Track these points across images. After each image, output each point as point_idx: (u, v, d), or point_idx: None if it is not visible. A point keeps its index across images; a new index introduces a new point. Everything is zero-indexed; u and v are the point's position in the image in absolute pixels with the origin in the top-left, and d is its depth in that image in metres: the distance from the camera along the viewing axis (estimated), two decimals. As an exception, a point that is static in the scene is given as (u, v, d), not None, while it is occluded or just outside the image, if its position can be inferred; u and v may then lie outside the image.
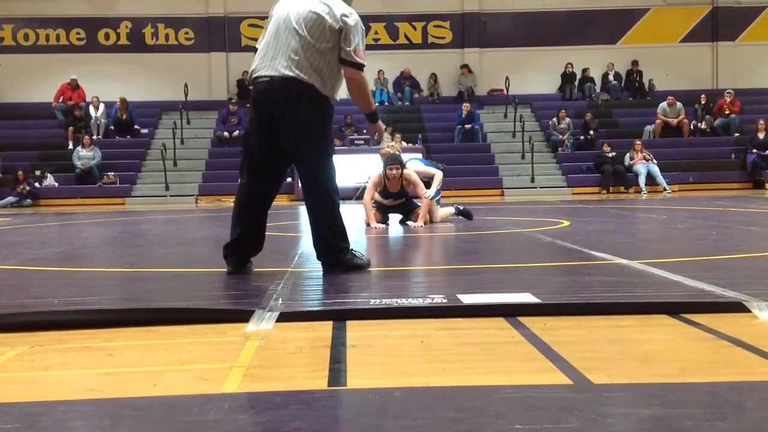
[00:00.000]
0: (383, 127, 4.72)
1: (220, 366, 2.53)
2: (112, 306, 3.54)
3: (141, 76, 20.86)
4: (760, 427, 1.86)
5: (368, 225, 7.93)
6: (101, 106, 19.18)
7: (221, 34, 21.31)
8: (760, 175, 17.38)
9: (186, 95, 19.94)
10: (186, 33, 21.45)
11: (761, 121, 17.77)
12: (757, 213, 9.38)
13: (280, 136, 4.32)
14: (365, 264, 4.44)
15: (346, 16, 4.29)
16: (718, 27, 21.44)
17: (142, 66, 20.94)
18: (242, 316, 3.19)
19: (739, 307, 3.20)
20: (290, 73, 4.24)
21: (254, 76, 4.44)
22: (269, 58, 4.34)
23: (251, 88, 4.52)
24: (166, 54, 21.20)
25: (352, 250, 4.44)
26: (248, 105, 4.60)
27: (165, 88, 20.68)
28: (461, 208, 8.50)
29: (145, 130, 19.69)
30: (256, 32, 21.39)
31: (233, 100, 19.85)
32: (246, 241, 4.48)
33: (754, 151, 17.51)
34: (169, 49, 21.30)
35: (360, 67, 4.32)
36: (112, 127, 19.20)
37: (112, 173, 17.60)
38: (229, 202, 16.21)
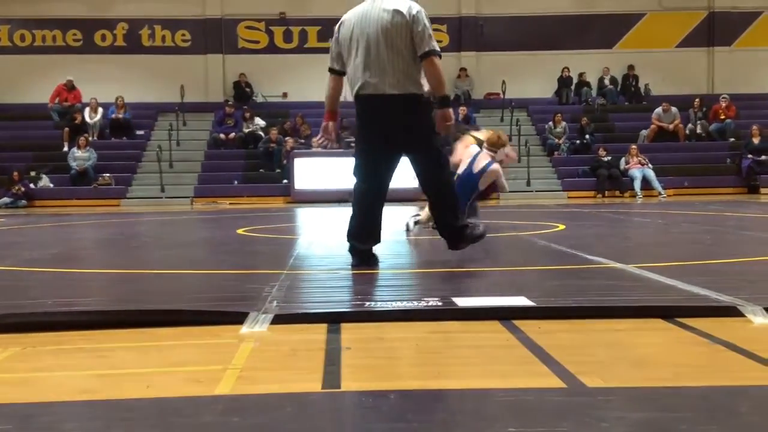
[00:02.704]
0: (451, 116, 4.81)
1: (214, 368, 2.53)
2: (106, 307, 3.54)
3: (137, 78, 20.83)
4: (752, 432, 1.86)
5: None
6: (99, 110, 19.16)
7: (218, 36, 21.29)
8: (755, 180, 17.41)
9: (182, 97, 19.92)
10: (183, 35, 21.43)
11: (756, 127, 17.81)
12: (752, 218, 9.40)
13: (393, 143, 4.78)
14: (483, 233, 5.06)
15: (417, 16, 4.60)
16: (714, 32, 21.49)
17: (138, 67, 20.91)
18: (237, 318, 3.19)
19: (733, 312, 3.20)
20: (396, 92, 4.64)
21: (361, 93, 4.78)
22: (371, 75, 4.69)
23: (357, 102, 4.88)
24: (163, 55, 21.17)
25: (470, 223, 5.03)
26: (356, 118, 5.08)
27: (161, 90, 20.66)
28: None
29: (141, 132, 19.66)
30: (252, 34, 21.41)
31: (230, 102, 19.84)
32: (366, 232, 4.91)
33: (749, 156, 17.54)
34: (165, 51, 21.28)
35: (437, 53, 4.65)
36: (108, 130, 19.16)
37: (108, 174, 17.57)
38: (225, 204, 16.24)
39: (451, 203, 4.94)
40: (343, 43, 4.79)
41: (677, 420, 1.94)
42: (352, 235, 4.89)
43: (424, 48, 4.59)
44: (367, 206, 4.91)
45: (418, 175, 4.94)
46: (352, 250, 4.91)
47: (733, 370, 2.49)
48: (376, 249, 5.00)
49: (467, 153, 7.10)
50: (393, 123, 4.72)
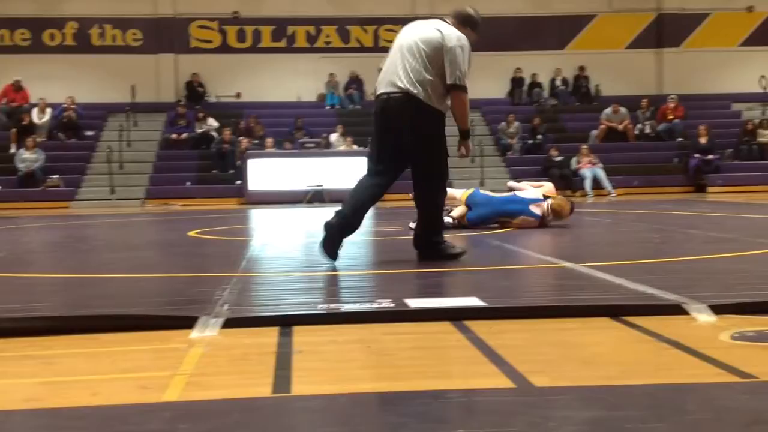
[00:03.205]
0: (469, 147, 5.12)
1: (162, 374, 2.50)
2: (53, 313, 3.47)
3: (87, 78, 20.50)
4: (697, 429, 1.90)
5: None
6: (48, 110, 18.81)
7: (170, 36, 21.04)
8: (702, 179, 17.77)
9: (133, 97, 19.64)
10: (134, 34, 21.14)
11: (703, 127, 18.18)
12: (698, 216, 9.59)
13: (401, 144, 4.91)
14: (461, 254, 5.02)
15: (455, 44, 4.79)
16: (663, 33, 21.88)
17: (88, 67, 20.57)
18: (187, 323, 3.15)
19: (678, 310, 3.26)
20: (412, 91, 4.78)
21: (380, 92, 4.99)
22: (394, 76, 4.88)
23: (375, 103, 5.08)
24: (113, 55, 20.86)
25: (446, 241, 5.06)
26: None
27: (112, 90, 20.35)
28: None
29: (90, 132, 19.34)
30: (205, 33, 21.22)
31: (182, 102, 19.63)
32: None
33: (697, 155, 17.89)
34: (116, 50, 20.97)
35: (463, 89, 4.85)
36: (57, 131, 18.81)
37: (56, 176, 17.25)
38: (177, 205, 16.06)
39: (435, 219, 5.09)
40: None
41: (624, 418, 1.97)
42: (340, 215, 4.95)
43: (451, 80, 4.78)
44: (361, 198, 5.02)
45: (413, 181, 5.05)
46: (328, 227, 4.93)
47: (678, 368, 2.53)
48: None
49: (536, 191, 7.63)
50: (403, 122, 4.84)
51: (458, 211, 7.97)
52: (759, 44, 21.88)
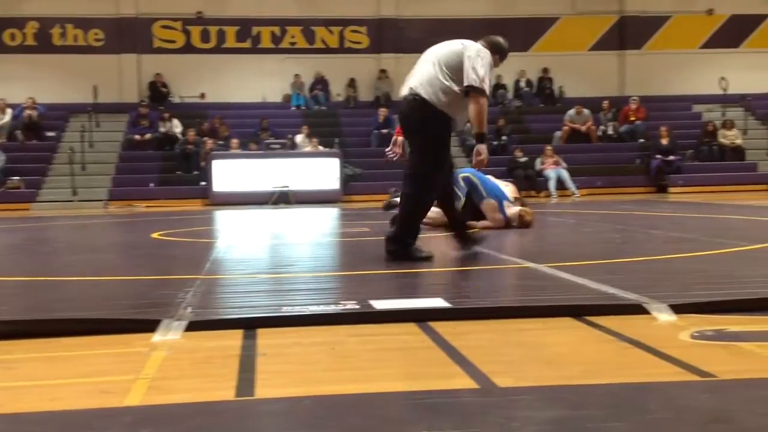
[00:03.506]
0: (483, 152, 5.09)
1: (124, 378, 2.47)
2: (13, 317, 3.41)
3: (48, 78, 20.20)
4: (658, 428, 1.92)
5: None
6: (9, 111, 18.51)
7: (132, 36, 20.81)
8: (663, 179, 18.01)
9: (95, 97, 19.41)
10: (96, 34, 20.88)
11: (664, 128, 18.42)
12: (660, 216, 9.72)
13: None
14: (427, 258, 5.04)
15: (474, 53, 4.97)
16: (625, 36, 22.15)
17: (49, 67, 20.28)
18: (149, 326, 3.12)
19: (639, 310, 3.30)
20: (419, 92, 5.02)
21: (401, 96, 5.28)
22: (411, 82, 5.14)
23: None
24: (75, 55, 20.58)
25: (416, 246, 5.11)
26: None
27: (73, 90, 20.07)
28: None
29: (51, 133, 19.06)
30: (168, 34, 21.03)
31: (144, 103, 19.44)
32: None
33: (658, 156, 18.12)
34: (77, 50, 20.70)
35: (481, 92, 4.94)
36: (18, 132, 18.52)
37: (17, 178, 16.98)
38: (141, 207, 15.90)
39: (409, 218, 5.15)
40: None
41: (586, 418, 1.99)
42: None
43: (467, 81, 4.91)
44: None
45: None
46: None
47: (639, 367, 2.57)
48: (290, 256, 4.95)
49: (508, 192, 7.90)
50: (410, 122, 5.13)
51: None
52: (719, 46, 22.24)
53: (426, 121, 5.02)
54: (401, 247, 5.09)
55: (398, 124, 5.48)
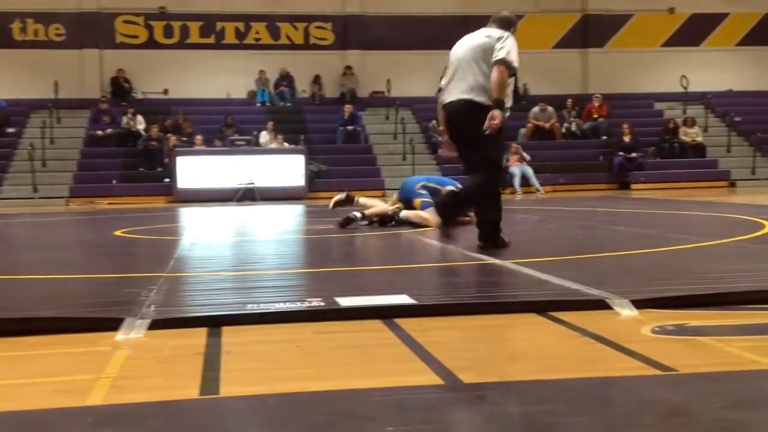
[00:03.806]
0: (497, 116, 5.26)
1: (86, 377, 2.44)
2: (-29, 316, 3.35)
3: (8, 74, 19.88)
4: (621, 422, 1.95)
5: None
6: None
7: (94, 31, 20.56)
8: (626, 176, 18.23)
9: (56, 93, 19.13)
10: (57, 29, 20.59)
11: (626, 125, 18.65)
12: (622, 213, 9.84)
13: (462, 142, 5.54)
14: (507, 244, 5.39)
15: (503, 36, 5.37)
16: (588, 34, 22.36)
17: (9, 63, 19.95)
18: (112, 325, 3.09)
19: (602, 305, 3.34)
20: (467, 97, 5.37)
21: (446, 102, 5.57)
22: (454, 87, 5.47)
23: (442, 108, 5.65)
24: (36, 50, 20.27)
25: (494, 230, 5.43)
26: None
27: (34, 86, 19.77)
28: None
29: (12, 130, 18.77)
30: (131, 29, 20.80)
31: (104, 98, 19.20)
32: None
33: (621, 153, 18.34)
34: (38, 45, 20.39)
35: (506, 63, 5.26)
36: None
37: (-24, 175, 16.72)
38: (103, 204, 15.71)
39: (492, 210, 5.45)
40: (448, 66, 5.60)
41: (550, 412, 2.01)
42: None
43: (496, 56, 5.27)
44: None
45: (468, 172, 5.59)
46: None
47: (602, 362, 2.60)
48: (255, 254, 4.92)
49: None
50: (462, 127, 5.43)
51: (375, 210, 8.01)
52: (680, 45, 22.56)
53: (480, 119, 5.29)
54: (495, 232, 5.43)
55: (441, 126, 5.76)
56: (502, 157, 5.68)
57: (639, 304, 3.30)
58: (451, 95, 5.48)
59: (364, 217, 7.76)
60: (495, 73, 5.27)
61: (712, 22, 22.90)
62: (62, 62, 20.15)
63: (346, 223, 7.62)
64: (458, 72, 5.46)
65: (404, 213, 7.72)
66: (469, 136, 5.41)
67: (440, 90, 5.74)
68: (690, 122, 19.67)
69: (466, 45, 5.52)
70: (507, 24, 5.58)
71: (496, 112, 5.26)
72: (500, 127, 5.29)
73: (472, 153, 5.45)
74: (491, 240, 5.40)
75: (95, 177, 17.22)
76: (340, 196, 8.41)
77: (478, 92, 5.33)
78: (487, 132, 5.21)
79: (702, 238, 5.88)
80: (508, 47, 5.30)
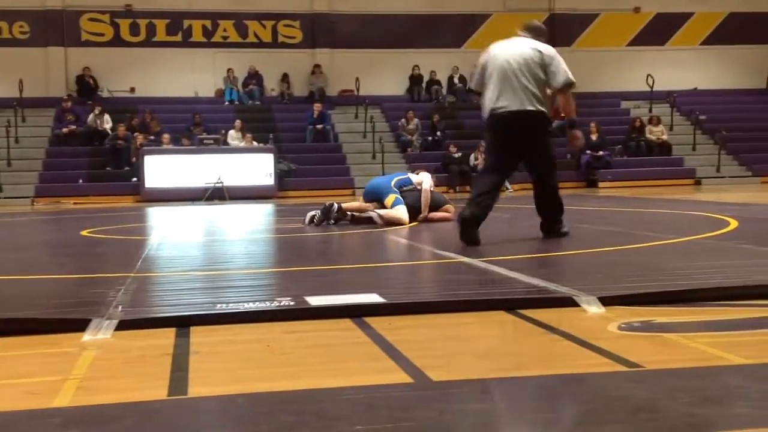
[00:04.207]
0: (579, 135, 6.12)
1: (52, 379, 2.41)
2: (-66, 318, 3.29)
3: (-29, 72, 19.60)
4: (588, 418, 1.97)
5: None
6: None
7: (59, 28, 20.31)
8: (593, 174, 18.41)
9: (21, 92, 18.88)
10: (21, 26, 20.31)
11: (594, 124, 18.81)
12: (589, 211, 9.93)
13: (517, 150, 5.89)
14: (567, 232, 6.04)
15: (553, 55, 5.77)
16: (555, 33, 22.51)
17: (-29, 60, 19.67)
18: (79, 326, 3.05)
19: (569, 302, 3.37)
20: (525, 108, 5.70)
21: (497, 111, 5.79)
22: (505, 97, 5.74)
23: (492, 117, 5.87)
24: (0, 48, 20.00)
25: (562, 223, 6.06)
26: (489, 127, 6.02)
27: (-2, 84, 19.52)
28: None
29: (-25, 129, 18.50)
30: (96, 26, 20.57)
31: (68, 97, 18.98)
32: None
33: (588, 152, 18.51)
34: (2, 44, 20.12)
35: (571, 85, 5.77)
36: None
37: (-61, 174, 16.45)
38: (69, 203, 15.52)
39: (555, 202, 6.03)
40: (486, 70, 5.84)
41: (518, 409, 2.03)
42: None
43: (561, 81, 5.71)
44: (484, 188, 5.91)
45: (534, 175, 6.02)
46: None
47: (570, 359, 2.62)
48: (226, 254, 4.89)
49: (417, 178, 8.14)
50: (522, 135, 5.77)
51: (353, 205, 8.08)
52: (646, 44, 22.83)
53: (543, 127, 5.87)
54: (556, 225, 6.01)
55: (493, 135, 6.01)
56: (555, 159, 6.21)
57: (606, 301, 3.34)
58: (507, 104, 5.73)
59: (340, 209, 7.83)
60: (564, 98, 5.85)
61: (676, 21, 23.20)
62: (27, 60, 19.89)
63: (325, 214, 7.76)
64: (508, 81, 5.72)
65: (380, 212, 7.70)
66: (531, 144, 5.83)
67: (470, 90, 6.17)
68: (655, 120, 19.91)
69: (511, 54, 5.76)
70: (542, 33, 6.02)
71: (578, 132, 6.04)
72: (550, 134, 5.96)
73: (533, 158, 5.91)
74: (557, 232, 6.00)
75: (61, 176, 17.03)
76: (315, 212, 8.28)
77: (535, 102, 5.70)
78: (572, 150, 5.74)
79: (668, 236, 5.96)
80: (564, 67, 5.75)
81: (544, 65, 5.70)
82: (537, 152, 5.87)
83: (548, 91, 5.80)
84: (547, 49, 5.79)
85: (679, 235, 6.06)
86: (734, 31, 23.10)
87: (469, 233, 5.59)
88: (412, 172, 8.59)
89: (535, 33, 5.95)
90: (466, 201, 5.85)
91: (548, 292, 3.56)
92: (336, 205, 7.86)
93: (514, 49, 5.79)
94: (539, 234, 6.11)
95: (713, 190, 15.50)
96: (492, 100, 5.79)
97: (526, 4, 22.23)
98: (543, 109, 5.76)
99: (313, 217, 7.80)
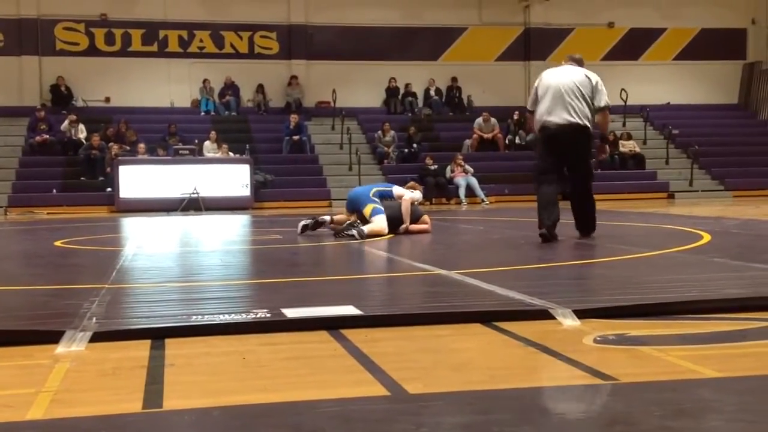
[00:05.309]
0: (608, 148, 7.29)
1: (25, 391, 2.38)
2: None
3: (-57, 80, 19.38)
4: (563, 430, 1.98)
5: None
6: None
7: (34, 37, 20.14)
8: (566, 187, 18.50)
9: (-7, 100, 18.71)
10: (-7, 35, 20.13)
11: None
12: (564, 224, 9.98)
13: (564, 158, 6.99)
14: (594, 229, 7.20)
15: (598, 81, 6.98)
16: (530, 47, 22.71)
17: (-56, 69, 19.45)
18: (52, 338, 3.02)
19: (545, 315, 3.39)
20: (574, 121, 6.82)
21: (548, 124, 6.90)
22: (557, 113, 6.85)
23: (544, 128, 6.99)
24: (-28, 57, 19.82)
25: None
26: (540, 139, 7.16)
27: (-30, 93, 19.30)
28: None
29: (-54, 138, 18.29)
30: (71, 36, 20.43)
31: (41, 106, 18.81)
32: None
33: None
34: (-25, 52, 19.92)
35: (609, 108, 7.20)
36: None
37: None
38: (43, 214, 15.36)
39: (591, 203, 7.13)
40: (540, 91, 6.96)
41: (494, 422, 2.03)
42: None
43: (602, 103, 6.97)
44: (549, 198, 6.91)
45: (572, 182, 7.09)
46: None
47: (545, 371, 2.64)
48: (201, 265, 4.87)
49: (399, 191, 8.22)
50: (568, 144, 6.85)
51: (340, 217, 8.12)
52: (620, 58, 23.05)
53: (588, 139, 7.05)
54: (592, 222, 7.10)
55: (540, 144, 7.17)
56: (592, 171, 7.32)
57: (581, 314, 3.36)
58: (558, 118, 6.80)
59: (332, 221, 8.10)
60: (601, 117, 7.10)
61: (650, 36, 23.46)
62: (0, 69, 19.70)
63: (316, 226, 7.99)
64: (561, 98, 6.82)
65: (362, 228, 7.53)
66: (575, 152, 6.92)
67: (530, 112, 7.20)
68: (626, 136, 20.08)
69: (565, 77, 6.92)
70: (583, 62, 7.23)
71: (606, 146, 7.19)
72: (591, 148, 7.18)
73: (575, 164, 6.96)
74: (592, 228, 7.07)
75: (35, 186, 16.85)
76: (308, 221, 8.24)
77: (583, 117, 6.81)
78: (600, 158, 6.34)
79: (642, 249, 6.01)
80: (605, 92, 6.97)
81: (593, 88, 6.88)
82: (579, 159, 6.98)
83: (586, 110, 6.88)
84: (594, 76, 6.99)
85: (653, 248, 6.11)
86: (706, 46, 23.42)
87: (552, 236, 6.73)
88: (405, 185, 8.55)
89: (579, 63, 7.17)
90: (536, 213, 6.86)
91: (524, 304, 3.58)
92: (329, 218, 8.17)
93: (566, 74, 6.95)
94: (515, 246, 6.14)
95: (686, 204, 15.67)
96: (542, 113, 6.88)
97: (501, 18, 22.41)
98: (587, 123, 6.83)
99: (305, 226, 8.02)
